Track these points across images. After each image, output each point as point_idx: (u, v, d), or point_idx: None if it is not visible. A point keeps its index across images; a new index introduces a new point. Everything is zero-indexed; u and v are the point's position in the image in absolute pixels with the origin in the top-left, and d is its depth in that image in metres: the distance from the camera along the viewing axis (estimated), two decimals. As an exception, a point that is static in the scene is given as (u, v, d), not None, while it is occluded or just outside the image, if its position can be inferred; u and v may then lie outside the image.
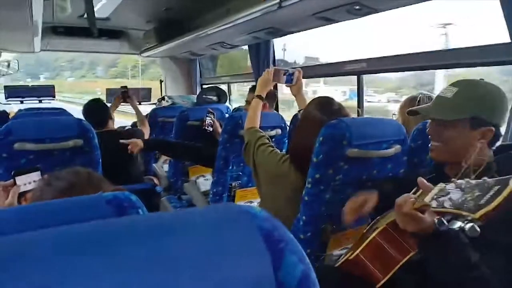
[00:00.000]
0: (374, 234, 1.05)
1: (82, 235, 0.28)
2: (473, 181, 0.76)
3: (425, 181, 0.88)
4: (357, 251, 1.06)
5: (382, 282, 1.00)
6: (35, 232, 0.29)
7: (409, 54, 1.94)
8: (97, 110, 2.65)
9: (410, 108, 1.18)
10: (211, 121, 2.62)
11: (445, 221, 0.75)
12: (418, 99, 1.73)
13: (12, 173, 1.11)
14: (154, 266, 0.27)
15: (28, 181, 1.11)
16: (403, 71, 2.03)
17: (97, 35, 2.05)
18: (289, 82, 1.84)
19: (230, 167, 2.14)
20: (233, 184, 2.19)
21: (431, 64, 1.85)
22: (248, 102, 2.38)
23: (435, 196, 0.80)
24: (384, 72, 2.16)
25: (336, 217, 1.43)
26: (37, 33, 2.70)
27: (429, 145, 1.11)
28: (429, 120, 1.14)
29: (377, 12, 1.84)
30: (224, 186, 2.15)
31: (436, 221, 0.77)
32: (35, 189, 0.93)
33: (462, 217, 0.72)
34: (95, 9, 3.08)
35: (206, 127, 2.60)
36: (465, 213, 0.71)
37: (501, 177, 0.74)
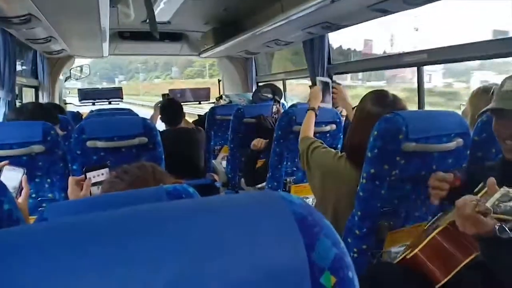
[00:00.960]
0: (434, 233, 1.02)
1: (131, 218, 0.32)
2: None
3: (494, 183, 0.84)
4: (416, 250, 1.03)
5: (443, 282, 0.97)
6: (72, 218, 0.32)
7: (473, 43, 1.82)
8: (171, 109, 2.85)
9: (482, 110, 1.10)
10: (276, 109, 2.70)
11: (507, 229, 0.72)
12: (492, 91, 1.61)
13: (84, 169, 1.23)
14: (194, 246, 0.30)
15: (98, 177, 1.21)
16: (467, 60, 1.91)
17: (158, 39, 2.19)
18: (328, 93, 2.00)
19: (285, 163, 2.16)
20: (287, 179, 2.21)
21: (499, 52, 1.72)
22: None
23: (497, 202, 0.77)
24: (446, 63, 2.05)
25: (393, 213, 1.41)
26: (105, 39, 2.93)
27: (503, 145, 1.03)
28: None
29: (436, 1, 1.75)
30: (279, 182, 2.18)
31: (497, 227, 0.74)
32: (105, 181, 1.03)
33: None
34: (155, 13, 3.28)
35: (273, 115, 2.70)
36: None
37: None
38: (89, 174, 1.22)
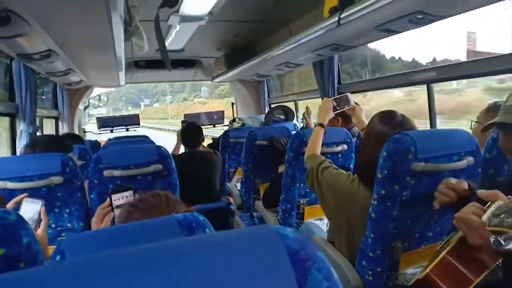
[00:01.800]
0: (444, 252, 1.01)
1: (126, 260, 0.34)
2: None
3: (484, 192, 0.85)
4: (427, 270, 1.02)
5: None
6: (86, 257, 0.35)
7: (481, 59, 1.83)
8: (190, 132, 2.95)
9: (485, 125, 1.12)
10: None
11: (501, 241, 0.71)
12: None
13: (109, 191, 1.28)
14: (184, 285, 0.31)
15: (122, 200, 1.26)
16: (476, 77, 1.91)
17: (171, 69, 2.27)
18: (347, 104, 1.96)
19: (297, 185, 2.17)
20: (301, 201, 2.21)
21: (501, 69, 1.71)
22: None
23: (491, 215, 0.77)
24: (455, 80, 2.04)
25: (406, 234, 1.39)
26: (121, 69, 3.04)
27: (510, 159, 1.04)
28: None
29: (441, 19, 1.77)
30: (292, 204, 2.18)
31: (491, 240, 0.73)
32: (122, 210, 1.07)
33: None
34: (169, 41, 3.40)
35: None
36: None
37: None
38: (114, 197, 1.26)
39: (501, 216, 0.76)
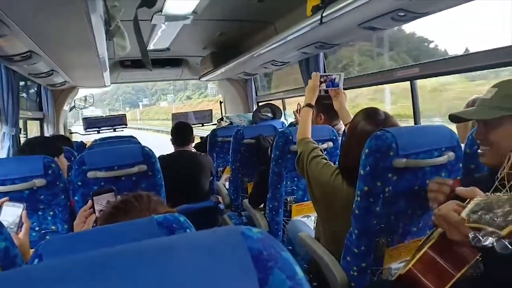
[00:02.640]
0: (425, 248, 1.02)
1: (97, 262, 0.34)
2: (505, 196, 0.74)
3: (463, 189, 0.86)
4: (409, 265, 1.04)
5: None
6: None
7: (463, 55, 1.85)
8: (180, 131, 2.93)
9: (451, 113, 1.14)
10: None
11: (480, 237, 0.73)
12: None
13: (91, 193, 1.27)
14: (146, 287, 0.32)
15: (104, 201, 1.25)
16: (459, 73, 1.94)
17: (151, 69, 2.25)
18: (336, 86, 1.87)
19: (284, 182, 2.17)
20: (288, 199, 2.22)
21: (488, 64, 1.74)
22: None
23: (470, 211, 0.78)
24: (437, 76, 2.07)
25: (390, 229, 1.41)
26: (105, 69, 3.01)
27: (478, 150, 1.07)
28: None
29: (423, 17, 1.78)
30: (279, 202, 2.19)
31: (470, 237, 0.75)
32: (103, 212, 1.06)
33: (494, 233, 0.69)
34: (154, 40, 3.38)
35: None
36: (493, 229, 0.69)
37: None
38: (95, 199, 1.25)
39: (479, 213, 0.77)
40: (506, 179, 0.94)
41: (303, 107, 1.87)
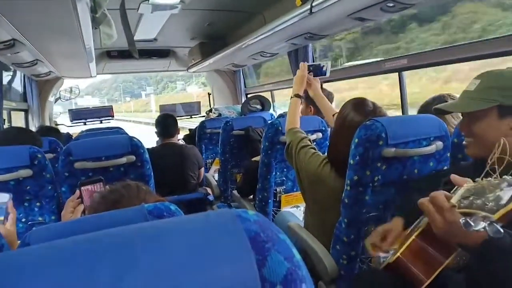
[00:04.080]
0: (413, 236, 1.03)
1: (92, 243, 0.34)
2: (496, 181, 0.74)
3: (457, 177, 0.86)
4: (398, 254, 1.04)
5: (426, 284, 0.98)
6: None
7: (448, 47, 1.87)
8: (164, 122, 2.88)
9: (435, 106, 1.15)
10: None
11: (471, 222, 0.73)
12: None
13: (78, 183, 1.25)
14: (149, 272, 0.31)
15: (92, 191, 1.24)
16: (446, 64, 1.96)
17: (138, 57, 2.21)
18: (323, 74, 1.89)
19: (274, 173, 2.18)
20: (277, 189, 2.22)
21: (475, 55, 1.76)
22: None
23: (461, 197, 0.79)
24: (424, 67, 2.09)
25: (379, 218, 1.42)
26: (91, 59, 2.95)
27: (463, 142, 1.08)
28: None
29: (410, 7, 1.79)
30: (268, 192, 2.19)
31: (462, 222, 0.75)
32: (91, 201, 1.05)
33: (486, 217, 0.70)
34: (141, 30, 3.32)
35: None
36: (485, 214, 0.70)
37: None
38: (83, 188, 1.23)
39: (470, 198, 0.78)
40: (496, 164, 0.95)
41: (291, 97, 1.87)
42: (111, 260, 0.32)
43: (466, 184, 0.82)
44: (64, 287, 0.30)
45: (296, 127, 1.77)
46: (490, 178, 0.77)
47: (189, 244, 0.34)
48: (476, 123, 1.03)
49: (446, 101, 1.57)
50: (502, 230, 0.68)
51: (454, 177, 0.90)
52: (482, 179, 0.78)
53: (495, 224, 0.69)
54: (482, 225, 0.70)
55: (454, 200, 0.81)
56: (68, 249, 0.33)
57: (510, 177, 0.74)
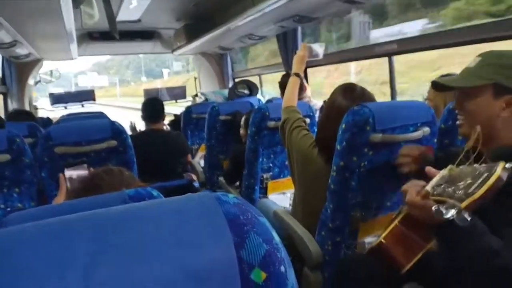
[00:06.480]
0: (396, 221, 1.04)
1: (68, 224, 0.33)
2: (468, 169, 0.75)
3: (432, 169, 0.88)
4: (380, 238, 1.05)
5: (407, 268, 0.98)
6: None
7: (440, 32, 1.85)
8: (150, 107, 2.78)
9: (433, 80, 1.13)
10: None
11: (442, 210, 0.73)
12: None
13: (63, 165, 1.22)
14: (125, 252, 0.31)
15: (76, 175, 1.21)
16: (434, 49, 1.94)
17: (118, 37, 2.13)
18: (316, 56, 1.92)
19: (260, 159, 2.15)
20: (264, 176, 2.20)
21: (464, 40, 1.75)
22: None
23: (435, 184, 0.79)
24: (415, 52, 2.07)
25: (365, 204, 1.42)
26: (72, 40, 2.85)
27: (457, 122, 1.06)
28: None
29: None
30: (255, 179, 2.17)
31: (433, 210, 0.75)
32: (72, 186, 1.01)
33: (455, 205, 0.70)
34: (125, 11, 3.22)
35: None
36: (453, 202, 0.70)
37: (491, 164, 0.72)
38: (67, 173, 1.20)
39: (442, 186, 0.78)
40: (471, 152, 0.95)
41: (291, 76, 1.86)
42: (85, 241, 0.31)
43: (441, 171, 0.82)
44: (37, 267, 0.30)
45: (293, 106, 1.76)
46: (462, 166, 0.78)
47: (165, 225, 0.33)
48: (470, 100, 1.00)
49: None
50: (468, 219, 0.69)
51: (429, 169, 0.90)
52: (456, 166, 0.78)
53: (462, 213, 0.69)
54: (452, 213, 0.70)
55: (428, 187, 0.82)
56: (44, 230, 0.33)
57: (483, 165, 0.74)
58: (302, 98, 2.24)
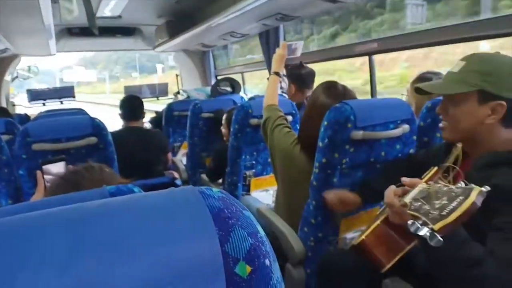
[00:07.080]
0: (379, 221, 1.05)
1: (43, 219, 0.32)
2: (445, 188, 0.75)
3: (407, 179, 0.89)
4: (362, 237, 1.06)
5: (387, 268, 1.00)
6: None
7: (420, 31, 1.89)
8: (131, 105, 2.71)
9: (416, 85, 1.13)
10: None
11: (418, 225, 0.73)
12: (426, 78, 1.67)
13: (40, 162, 1.17)
14: (104, 248, 0.30)
15: (53, 171, 1.17)
16: (415, 48, 1.98)
17: (97, 33, 2.09)
18: (295, 54, 2.00)
19: (243, 157, 2.16)
20: (247, 173, 2.21)
21: (444, 39, 1.79)
22: None
23: (413, 198, 0.80)
24: (395, 51, 2.11)
25: (346, 200, 1.44)
26: (50, 36, 2.78)
27: (439, 124, 1.08)
28: (440, 98, 1.10)
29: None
30: (238, 176, 2.17)
31: (409, 224, 0.76)
32: (51, 182, 0.98)
33: (428, 225, 0.71)
34: (106, 8, 3.16)
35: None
36: (427, 221, 0.71)
37: (467, 186, 0.73)
38: (45, 168, 1.17)
39: (419, 203, 0.79)
40: (450, 171, 0.97)
41: (271, 74, 1.88)
42: (61, 236, 0.30)
43: (420, 185, 0.83)
44: (10, 262, 0.28)
45: (275, 104, 1.77)
46: (440, 184, 0.79)
47: (146, 219, 0.32)
48: (454, 106, 0.99)
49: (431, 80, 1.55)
50: (442, 240, 0.69)
51: (404, 179, 0.91)
52: (434, 183, 0.80)
53: (435, 234, 0.70)
54: (425, 231, 0.71)
55: (407, 199, 0.83)
56: (12, 225, 0.31)
57: (459, 186, 0.75)
58: (307, 95, 2.25)
